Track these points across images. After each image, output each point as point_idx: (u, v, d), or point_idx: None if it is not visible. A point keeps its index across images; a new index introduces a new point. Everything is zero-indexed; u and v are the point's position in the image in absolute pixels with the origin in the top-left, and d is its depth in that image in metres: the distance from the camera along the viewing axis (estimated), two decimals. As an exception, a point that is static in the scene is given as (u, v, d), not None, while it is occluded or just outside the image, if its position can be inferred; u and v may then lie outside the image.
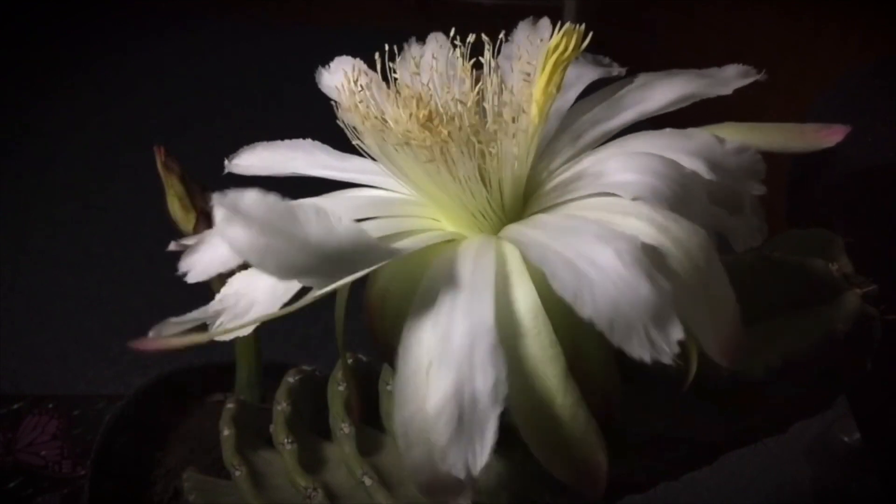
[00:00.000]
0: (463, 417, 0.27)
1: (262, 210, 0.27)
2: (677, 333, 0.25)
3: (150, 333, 0.33)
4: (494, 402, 0.27)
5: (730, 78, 0.38)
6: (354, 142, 0.37)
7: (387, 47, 0.39)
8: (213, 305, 0.34)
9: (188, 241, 0.38)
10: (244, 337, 0.62)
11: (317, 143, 0.41)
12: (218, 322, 0.34)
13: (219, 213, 0.26)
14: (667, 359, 0.25)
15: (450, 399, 0.27)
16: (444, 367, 0.28)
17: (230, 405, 0.54)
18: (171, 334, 0.32)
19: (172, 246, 0.39)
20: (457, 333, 0.28)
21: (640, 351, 0.25)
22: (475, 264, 0.31)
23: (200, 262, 0.36)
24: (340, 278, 0.30)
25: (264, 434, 0.52)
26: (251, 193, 0.27)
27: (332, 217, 0.28)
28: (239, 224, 0.26)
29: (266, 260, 0.26)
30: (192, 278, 0.35)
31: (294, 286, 0.33)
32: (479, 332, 0.28)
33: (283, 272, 0.27)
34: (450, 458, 0.27)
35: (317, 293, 0.32)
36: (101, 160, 1.54)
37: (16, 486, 0.85)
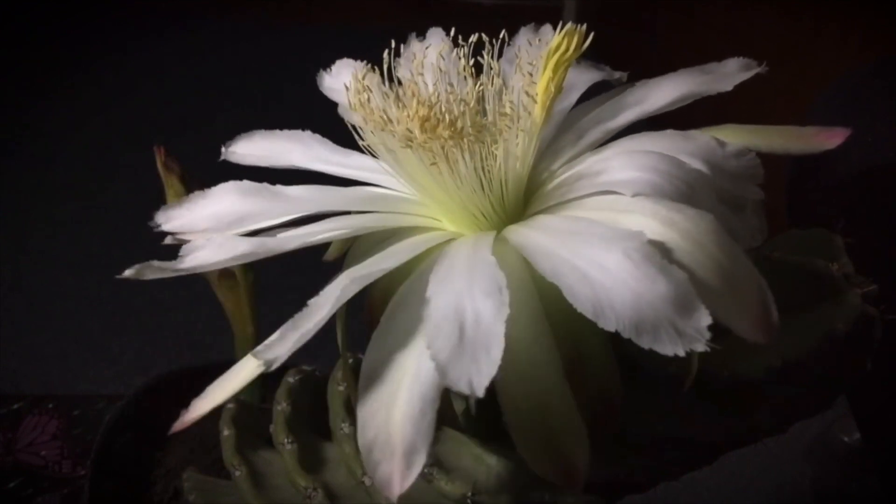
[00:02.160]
0: (465, 334, 0.26)
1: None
2: (705, 318, 0.25)
3: (128, 272, 0.32)
4: (499, 317, 0.26)
5: (730, 73, 0.37)
6: (361, 143, 0.37)
7: (393, 44, 0.38)
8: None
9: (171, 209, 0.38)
10: (244, 337, 0.62)
11: (316, 135, 0.41)
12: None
13: None
14: (700, 346, 0.25)
15: (450, 315, 0.27)
16: (443, 289, 0.27)
17: (230, 405, 0.54)
18: (152, 277, 0.33)
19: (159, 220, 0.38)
20: (458, 268, 0.28)
21: (671, 347, 0.25)
22: (475, 245, 0.31)
23: (182, 217, 0.36)
24: None
25: (264, 434, 0.52)
26: None
27: None
28: None
29: None
30: (167, 229, 0.36)
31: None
32: (480, 261, 0.28)
33: None
34: (452, 373, 0.26)
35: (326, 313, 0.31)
36: (101, 160, 1.54)
37: (16, 486, 0.85)
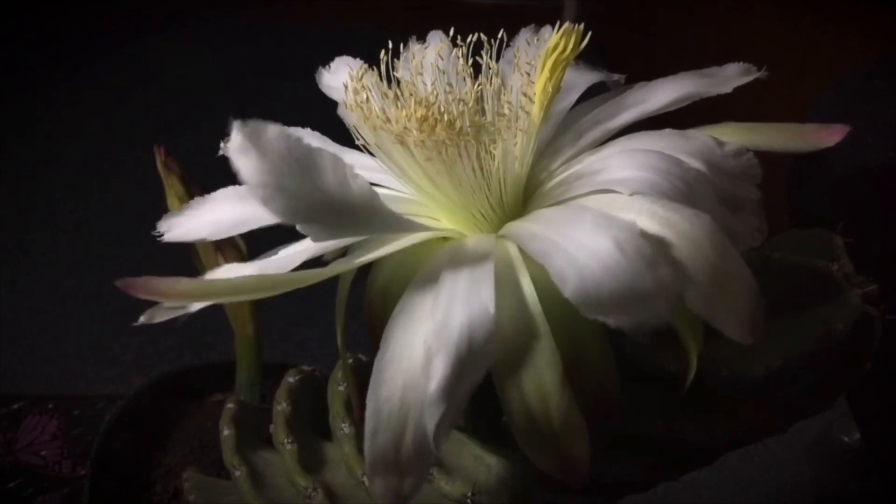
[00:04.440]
0: (456, 394, 0.27)
1: (283, 146, 0.26)
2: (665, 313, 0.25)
3: (143, 318, 0.34)
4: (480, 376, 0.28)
5: (730, 76, 0.37)
6: (359, 142, 0.37)
7: (390, 45, 0.38)
8: None
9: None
10: (244, 337, 0.62)
11: (315, 133, 0.41)
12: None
13: (236, 139, 0.25)
14: (645, 339, 0.25)
15: (450, 381, 0.27)
16: (443, 352, 0.28)
17: (230, 405, 0.54)
18: (162, 319, 0.33)
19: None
20: (455, 319, 0.28)
21: (651, 333, 0.25)
22: (475, 257, 0.31)
23: (183, 225, 0.36)
24: (341, 235, 0.30)
25: (264, 434, 0.52)
26: (275, 126, 0.26)
27: (349, 171, 0.27)
28: (255, 155, 0.25)
29: (274, 198, 0.26)
30: (169, 238, 0.36)
31: None
32: (479, 319, 0.28)
33: (287, 215, 0.26)
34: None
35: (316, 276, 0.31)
36: (101, 160, 1.54)
37: (16, 486, 0.85)
